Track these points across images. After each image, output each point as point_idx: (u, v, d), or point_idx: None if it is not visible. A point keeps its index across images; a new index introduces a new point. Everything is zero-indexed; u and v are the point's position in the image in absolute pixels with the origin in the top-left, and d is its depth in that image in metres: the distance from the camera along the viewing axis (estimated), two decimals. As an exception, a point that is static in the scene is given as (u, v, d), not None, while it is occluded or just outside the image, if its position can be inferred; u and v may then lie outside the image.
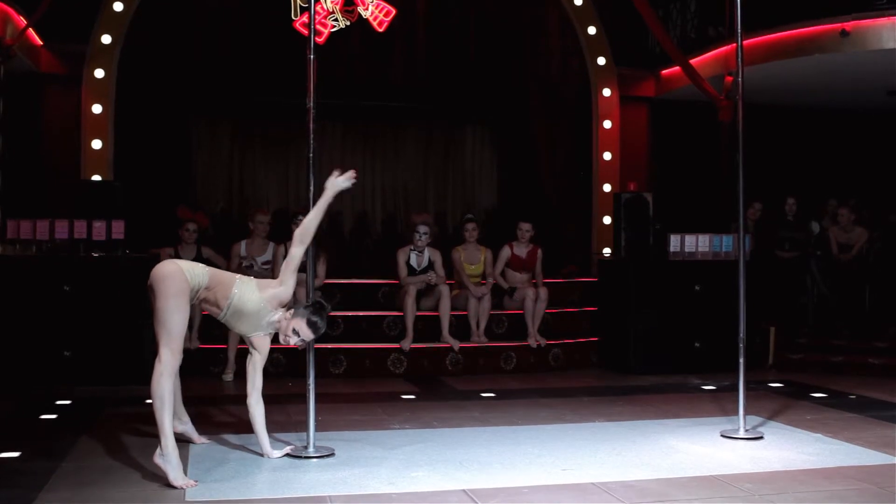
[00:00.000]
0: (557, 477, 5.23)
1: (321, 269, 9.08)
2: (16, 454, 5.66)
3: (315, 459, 5.58)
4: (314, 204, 5.68)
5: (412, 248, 9.66)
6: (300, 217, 5.84)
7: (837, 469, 5.46)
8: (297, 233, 5.53)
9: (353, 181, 5.73)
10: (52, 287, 8.41)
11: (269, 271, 9.34)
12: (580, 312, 10.67)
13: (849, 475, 5.31)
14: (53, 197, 10.42)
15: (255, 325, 5.49)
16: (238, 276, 5.58)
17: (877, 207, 12.18)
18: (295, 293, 5.72)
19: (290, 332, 5.42)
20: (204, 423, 6.67)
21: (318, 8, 10.63)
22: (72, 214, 8.71)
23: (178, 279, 5.18)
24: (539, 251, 10.10)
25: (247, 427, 6.42)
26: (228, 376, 8.83)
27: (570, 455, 5.77)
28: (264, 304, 5.43)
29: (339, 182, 5.65)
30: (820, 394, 8.28)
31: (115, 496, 4.76)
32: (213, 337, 9.19)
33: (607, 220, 12.27)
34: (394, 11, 11.03)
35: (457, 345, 9.40)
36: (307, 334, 5.43)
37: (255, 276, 9.20)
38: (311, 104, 5.89)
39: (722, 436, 6.35)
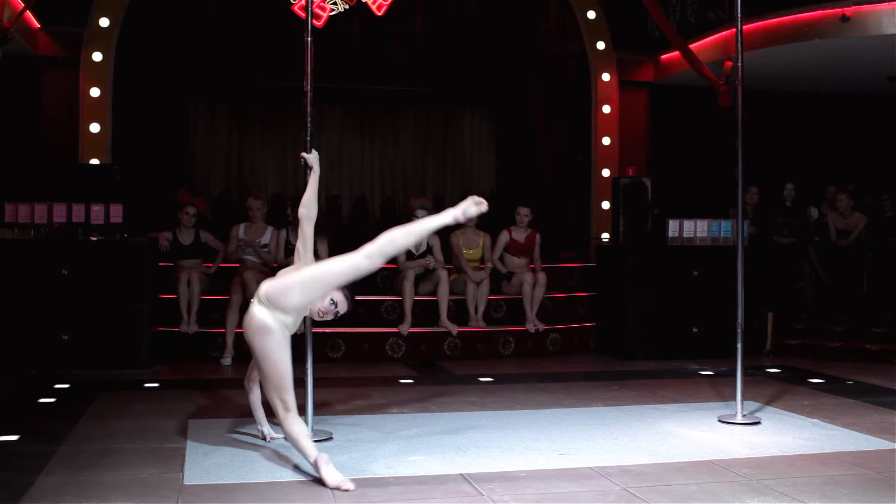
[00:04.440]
0: (555, 461, 5.24)
1: (322, 249, 9.09)
2: (14, 437, 5.66)
3: (314, 443, 5.58)
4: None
5: (410, 232, 9.63)
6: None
7: (834, 454, 5.47)
8: (302, 211, 5.40)
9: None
10: (50, 271, 8.40)
11: (269, 253, 9.38)
12: (578, 297, 10.68)
13: (846, 460, 5.32)
14: (51, 181, 10.39)
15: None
16: None
17: (875, 194, 12.19)
18: (318, 253, 5.63)
19: (327, 305, 5.15)
20: (200, 406, 6.69)
21: (316, -9, 10.59)
22: (70, 198, 8.68)
23: (277, 334, 4.97)
24: (537, 236, 10.09)
25: (245, 411, 6.44)
26: (227, 360, 8.83)
27: (567, 440, 5.78)
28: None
29: (314, 155, 5.61)
30: (817, 379, 8.29)
31: (112, 480, 4.76)
32: (211, 321, 9.21)
33: (606, 205, 12.27)
34: (393, -6, 11.01)
35: (455, 329, 9.40)
36: (344, 306, 5.24)
37: (255, 258, 9.33)
38: (309, 87, 5.88)
39: (719, 421, 6.36)
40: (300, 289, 4.98)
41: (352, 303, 5.28)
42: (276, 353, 4.92)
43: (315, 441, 5.57)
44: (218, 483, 4.75)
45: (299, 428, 4.92)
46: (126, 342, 8.47)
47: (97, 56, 11.14)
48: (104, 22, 11.15)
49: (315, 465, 4.79)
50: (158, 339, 8.79)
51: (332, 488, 4.69)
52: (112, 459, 5.17)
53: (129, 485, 4.68)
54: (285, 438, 5.64)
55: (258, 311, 4.97)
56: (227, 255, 9.57)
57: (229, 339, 8.90)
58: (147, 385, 7.65)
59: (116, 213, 8.68)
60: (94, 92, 11.13)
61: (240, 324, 8.74)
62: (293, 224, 9.42)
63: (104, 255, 8.60)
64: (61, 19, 11.13)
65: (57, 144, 11.16)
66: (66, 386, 7.46)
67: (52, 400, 6.93)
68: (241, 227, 9.61)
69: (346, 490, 4.64)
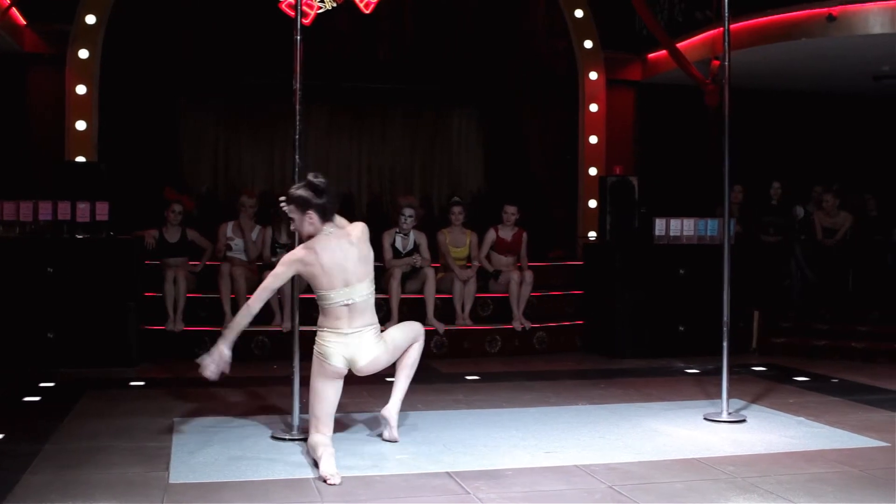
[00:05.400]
0: (541, 459, 5.25)
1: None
2: (-1, 436, 5.65)
3: (299, 442, 5.58)
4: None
5: (397, 230, 9.65)
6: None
7: (819, 452, 5.49)
8: None
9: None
10: (35, 269, 8.37)
11: (257, 250, 9.41)
12: (565, 296, 10.68)
13: (830, 458, 5.34)
14: (37, 178, 10.37)
15: None
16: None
17: (861, 193, 12.25)
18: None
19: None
20: (186, 405, 6.67)
21: (304, -11, 10.56)
22: (56, 196, 8.66)
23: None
24: (524, 234, 10.10)
25: (230, 409, 6.45)
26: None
27: (553, 438, 5.79)
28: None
29: None
30: (802, 377, 8.32)
31: (98, 478, 4.75)
32: (198, 319, 9.19)
33: (593, 203, 12.27)
34: (381, -7, 10.97)
35: (442, 328, 9.40)
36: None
37: (242, 256, 9.32)
38: (298, 85, 5.87)
39: (705, 419, 6.38)
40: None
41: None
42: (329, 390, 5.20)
43: (301, 440, 5.60)
44: (204, 482, 4.74)
45: (322, 437, 5.08)
46: (112, 340, 8.45)
47: (83, 53, 11.08)
48: (91, 19, 11.09)
49: (318, 455, 4.91)
50: (145, 338, 8.78)
51: (319, 476, 4.75)
52: (97, 458, 5.16)
53: (114, 483, 4.67)
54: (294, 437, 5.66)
55: (338, 365, 5.18)
56: (214, 253, 9.56)
57: (227, 307, 8.89)
58: (133, 383, 7.64)
59: (102, 210, 8.66)
60: (81, 89, 11.07)
61: (233, 289, 8.82)
62: (278, 222, 9.42)
63: (90, 253, 8.58)
64: (48, 16, 11.07)
65: (43, 142, 11.10)
66: (52, 384, 7.44)
67: (38, 398, 6.91)
68: (229, 225, 9.60)
69: (330, 484, 4.67)
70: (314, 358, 5.19)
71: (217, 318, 9.02)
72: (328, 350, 5.13)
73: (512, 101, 12.97)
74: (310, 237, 5.19)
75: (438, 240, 9.86)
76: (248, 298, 5.22)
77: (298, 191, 5.18)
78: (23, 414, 6.44)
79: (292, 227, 5.33)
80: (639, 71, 13.12)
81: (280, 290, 8.94)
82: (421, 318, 9.29)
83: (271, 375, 8.03)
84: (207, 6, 11.75)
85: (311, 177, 5.19)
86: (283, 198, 5.30)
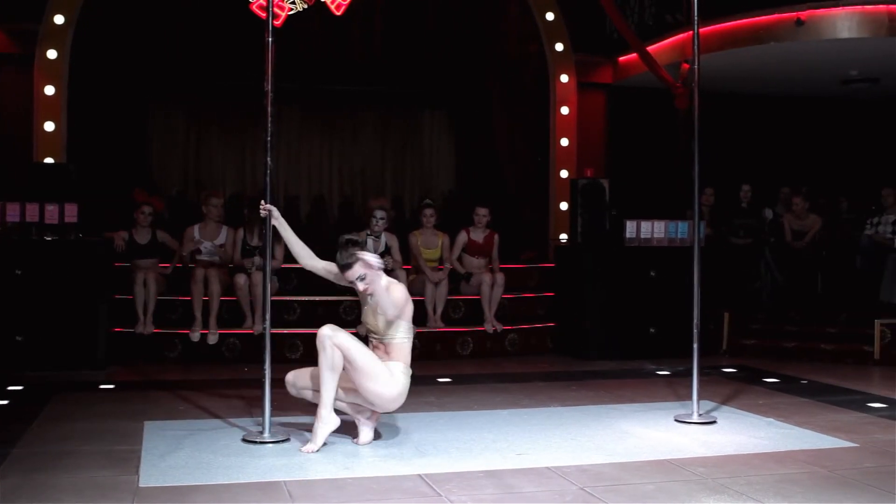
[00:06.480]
0: (513, 461, 5.25)
1: (279, 252, 9.05)
2: (-34, 440, 5.59)
3: (270, 445, 5.56)
4: (270, 188, 5.78)
5: (369, 232, 9.63)
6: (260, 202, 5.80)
7: (788, 453, 5.53)
8: (314, 264, 6.14)
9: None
10: (3, 271, 8.29)
11: (226, 253, 9.35)
12: (537, 298, 10.70)
13: (799, 459, 5.38)
14: (5, 179, 10.26)
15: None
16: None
17: (829, 194, 12.34)
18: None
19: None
20: (156, 408, 6.63)
21: (275, -10, 10.52)
22: (24, 197, 8.57)
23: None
24: (496, 236, 10.11)
25: (200, 412, 6.42)
26: (196, 336, 8.79)
27: (525, 440, 5.80)
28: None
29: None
30: (772, 379, 8.38)
31: (67, 483, 4.71)
32: (168, 322, 9.14)
33: (564, 205, 12.30)
34: (352, -6, 10.96)
35: (413, 330, 9.36)
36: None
37: (209, 259, 9.26)
38: (269, 87, 5.85)
39: (676, 420, 6.40)
40: None
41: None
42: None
43: (272, 442, 5.58)
44: (174, 485, 4.71)
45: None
46: (81, 343, 8.38)
47: (52, 53, 10.97)
48: (59, 19, 10.99)
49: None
50: (114, 340, 8.71)
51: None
52: (67, 462, 5.12)
53: (83, 487, 4.63)
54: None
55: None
56: (181, 256, 9.48)
57: (197, 313, 8.85)
58: (103, 386, 7.58)
59: (71, 212, 8.59)
60: (49, 90, 10.95)
61: (206, 292, 8.81)
62: (249, 224, 9.38)
63: (59, 255, 8.50)
64: (16, 16, 10.96)
65: (11, 143, 10.98)
66: (20, 388, 7.37)
67: (5, 402, 6.84)
68: (196, 227, 9.53)
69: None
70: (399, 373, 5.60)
71: (188, 321, 8.98)
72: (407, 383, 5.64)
73: (483, 104, 12.98)
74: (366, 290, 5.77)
75: (410, 242, 9.86)
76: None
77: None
78: (-10, 418, 6.39)
79: (363, 286, 5.77)
80: (610, 74, 13.17)
81: (252, 293, 8.98)
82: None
83: (242, 378, 8.00)
84: (178, 7, 11.68)
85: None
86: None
